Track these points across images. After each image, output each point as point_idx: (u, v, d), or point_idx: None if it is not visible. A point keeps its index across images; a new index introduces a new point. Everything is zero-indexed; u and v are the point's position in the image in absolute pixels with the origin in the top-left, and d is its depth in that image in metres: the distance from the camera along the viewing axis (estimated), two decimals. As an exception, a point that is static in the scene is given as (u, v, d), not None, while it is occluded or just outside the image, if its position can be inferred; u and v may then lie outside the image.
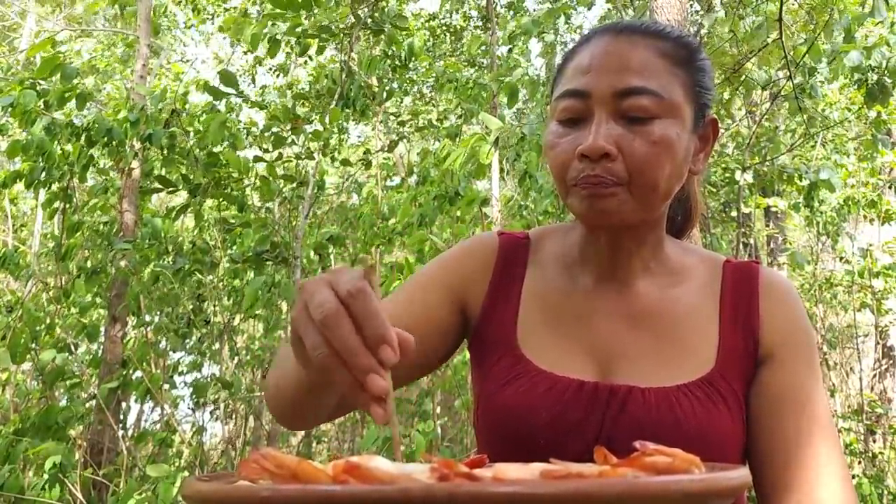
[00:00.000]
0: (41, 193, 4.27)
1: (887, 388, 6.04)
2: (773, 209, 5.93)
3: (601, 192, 0.76)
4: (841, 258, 5.55)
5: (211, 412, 4.85)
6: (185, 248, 4.45)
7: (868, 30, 4.03)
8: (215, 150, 4.09)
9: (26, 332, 3.91)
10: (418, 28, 6.87)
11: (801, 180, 4.53)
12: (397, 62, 5.09)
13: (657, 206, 0.81)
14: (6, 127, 4.26)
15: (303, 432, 5.06)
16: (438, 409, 4.60)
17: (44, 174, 3.91)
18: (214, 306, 4.54)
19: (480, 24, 7.37)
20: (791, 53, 3.54)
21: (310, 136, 4.32)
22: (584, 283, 0.87)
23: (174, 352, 4.68)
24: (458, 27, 7.46)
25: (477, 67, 6.98)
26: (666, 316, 0.84)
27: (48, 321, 4.26)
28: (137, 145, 4.20)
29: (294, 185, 4.48)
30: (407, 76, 5.74)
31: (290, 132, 4.39)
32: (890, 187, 5.35)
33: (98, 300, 5.02)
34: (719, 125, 0.88)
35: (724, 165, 5.24)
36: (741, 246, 5.28)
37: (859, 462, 4.67)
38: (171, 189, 4.14)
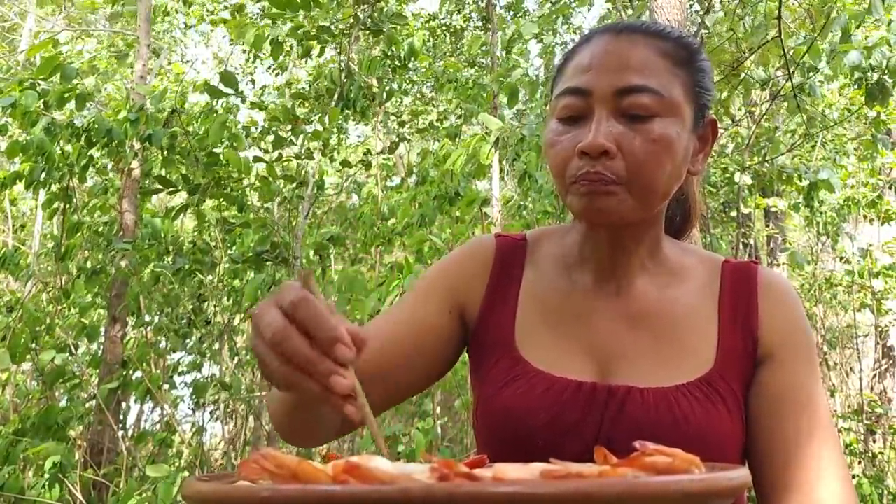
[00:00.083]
0: (41, 194, 4.27)
1: (887, 388, 6.04)
2: (773, 209, 5.93)
3: (600, 189, 0.76)
4: (841, 258, 5.55)
5: (211, 412, 4.86)
6: (185, 248, 4.45)
7: (869, 32, 4.03)
8: (215, 150, 4.09)
9: (26, 332, 3.91)
10: (418, 28, 6.87)
11: (800, 180, 4.53)
12: (397, 62, 5.09)
13: (656, 204, 0.81)
14: (6, 127, 4.26)
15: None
16: (438, 409, 4.60)
17: (44, 174, 3.91)
18: (214, 306, 4.54)
19: (480, 24, 7.37)
20: (791, 53, 3.54)
21: (309, 136, 4.32)
22: (583, 283, 0.87)
23: (174, 352, 4.68)
24: (458, 27, 7.46)
25: (477, 68, 6.98)
26: (665, 316, 0.84)
27: (48, 321, 4.26)
28: (137, 145, 4.20)
29: (294, 185, 4.49)
30: (407, 76, 5.74)
31: (289, 132, 4.39)
32: (890, 187, 5.35)
33: (98, 300, 5.02)
34: (718, 125, 0.88)
35: (723, 166, 5.24)
36: (741, 246, 5.29)
37: (859, 462, 4.67)
38: (171, 189, 4.14)
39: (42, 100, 3.78)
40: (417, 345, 0.86)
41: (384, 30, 4.62)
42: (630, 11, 5.13)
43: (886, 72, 3.78)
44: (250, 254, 4.07)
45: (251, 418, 5.24)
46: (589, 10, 7.41)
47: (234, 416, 5.41)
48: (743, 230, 5.41)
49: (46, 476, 3.26)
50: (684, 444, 0.47)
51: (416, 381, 0.88)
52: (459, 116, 6.40)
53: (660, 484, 0.38)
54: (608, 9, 6.85)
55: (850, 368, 6.00)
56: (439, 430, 4.20)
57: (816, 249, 5.79)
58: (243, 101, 4.43)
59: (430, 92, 7.26)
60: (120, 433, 4.33)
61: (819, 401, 0.80)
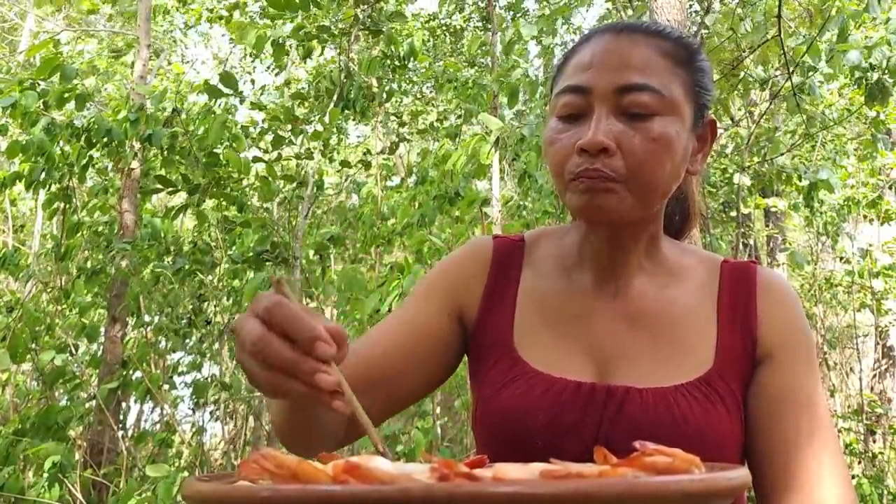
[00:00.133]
0: (41, 194, 4.27)
1: (887, 388, 6.04)
2: (773, 209, 5.93)
3: (599, 186, 0.76)
4: (841, 258, 5.54)
5: (211, 412, 4.85)
6: (185, 248, 4.45)
7: (868, 32, 4.03)
8: (215, 150, 4.09)
9: (26, 332, 3.91)
10: (418, 28, 6.87)
11: (800, 181, 4.53)
12: (396, 62, 5.09)
13: (655, 203, 0.81)
14: (6, 127, 4.26)
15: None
16: (438, 409, 4.60)
17: (43, 175, 3.91)
18: (214, 306, 4.54)
19: (480, 24, 7.37)
20: (790, 53, 3.54)
21: (309, 136, 4.32)
22: (582, 283, 0.87)
23: (174, 352, 4.68)
24: (458, 27, 7.46)
25: (477, 68, 6.98)
26: (664, 316, 0.84)
27: (48, 321, 4.26)
28: (137, 145, 4.20)
29: (294, 185, 4.49)
30: (406, 76, 5.74)
31: (289, 132, 4.39)
32: (890, 187, 5.35)
33: (98, 300, 5.02)
34: (717, 125, 0.88)
35: (723, 167, 5.24)
36: (741, 246, 5.29)
37: (859, 462, 4.67)
38: (171, 189, 4.14)
39: (42, 100, 3.78)
40: (419, 349, 0.86)
41: (383, 30, 4.62)
42: (630, 12, 5.13)
43: (886, 71, 3.78)
44: (250, 254, 4.07)
45: (251, 418, 5.24)
46: (587, 10, 7.40)
47: (234, 416, 5.42)
48: (743, 230, 5.41)
49: (46, 476, 3.26)
50: (683, 444, 0.47)
51: (418, 387, 0.88)
52: (459, 116, 6.40)
53: (660, 484, 0.38)
54: (608, 9, 6.86)
55: (850, 368, 6.00)
56: (439, 430, 4.20)
57: (816, 249, 5.79)
58: (242, 102, 4.43)
59: (430, 92, 7.25)
60: (120, 433, 4.33)
61: (818, 401, 0.80)
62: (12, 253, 4.96)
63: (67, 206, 4.26)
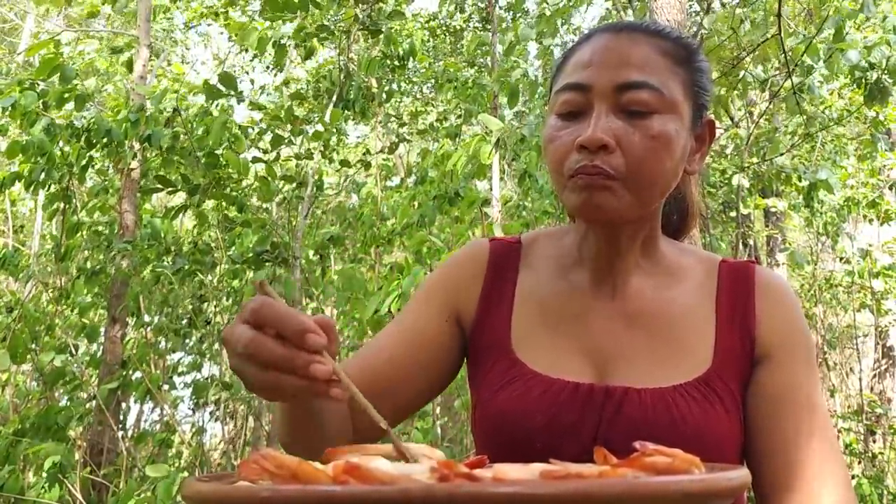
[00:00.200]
0: (41, 194, 4.27)
1: (887, 388, 6.04)
2: (773, 210, 5.93)
3: (598, 182, 0.76)
4: (841, 258, 5.54)
5: (211, 413, 4.85)
6: (185, 248, 4.45)
7: (867, 34, 4.03)
8: (215, 150, 4.09)
9: (26, 332, 3.91)
10: (418, 28, 6.87)
11: (800, 181, 4.53)
12: (396, 62, 5.09)
13: (653, 201, 0.81)
14: (5, 127, 4.26)
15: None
16: (438, 410, 4.60)
17: (43, 175, 3.91)
18: (214, 306, 4.54)
19: (480, 24, 7.37)
20: (790, 53, 3.54)
21: (310, 137, 4.32)
22: (580, 283, 0.87)
23: (174, 352, 4.68)
24: (458, 28, 7.46)
25: (477, 68, 6.98)
26: (662, 316, 0.84)
27: (48, 322, 4.26)
28: (137, 146, 4.20)
29: (293, 185, 4.48)
30: (406, 76, 5.74)
31: (289, 133, 4.39)
32: (890, 188, 5.35)
33: (98, 301, 5.02)
34: (716, 126, 0.88)
35: (722, 167, 5.24)
36: (741, 246, 5.29)
37: (859, 462, 4.67)
38: (170, 189, 4.14)
39: (41, 100, 3.78)
40: (421, 356, 0.87)
41: (382, 30, 4.62)
42: (630, 12, 5.13)
43: (886, 71, 3.78)
44: (250, 254, 4.07)
45: (251, 418, 5.24)
46: (586, 10, 7.40)
47: (234, 417, 5.41)
48: (742, 230, 5.41)
49: (46, 476, 3.27)
50: (682, 445, 0.47)
51: (421, 392, 0.88)
52: (459, 117, 6.40)
53: (660, 484, 0.38)
54: (608, 9, 6.86)
55: (850, 368, 6.00)
56: (439, 430, 4.20)
57: (816, 250, 5.79)
58: (240, 102, 4.43)
59: (430, 92, 7.26)
60: (120, 433, 4.33)
61: (818, 401, 0.80)
62: (12, 253, 4.96)
63: (67, 206, 4.26)
